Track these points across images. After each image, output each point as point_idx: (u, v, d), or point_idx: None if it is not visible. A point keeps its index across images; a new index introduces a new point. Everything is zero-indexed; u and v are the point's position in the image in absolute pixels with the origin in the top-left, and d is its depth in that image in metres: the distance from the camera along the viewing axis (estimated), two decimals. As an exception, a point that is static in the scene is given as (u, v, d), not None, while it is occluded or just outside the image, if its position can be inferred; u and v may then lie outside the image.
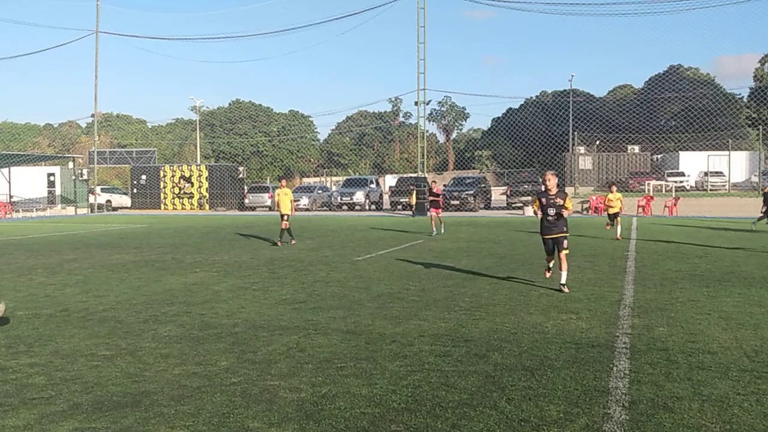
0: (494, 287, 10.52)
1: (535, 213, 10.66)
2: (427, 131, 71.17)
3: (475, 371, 5.89)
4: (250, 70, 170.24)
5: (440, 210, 22.14)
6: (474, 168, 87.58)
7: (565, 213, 10.22)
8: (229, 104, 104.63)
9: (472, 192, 38.30)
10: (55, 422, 4.75)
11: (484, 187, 41.61)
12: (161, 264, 14.16)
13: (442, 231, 21.78)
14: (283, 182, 20.03)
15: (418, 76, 36.42)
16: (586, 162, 54.78)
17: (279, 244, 18.19)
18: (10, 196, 42.30)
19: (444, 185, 46.24)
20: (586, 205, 35.70)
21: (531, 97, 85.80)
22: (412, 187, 35.09)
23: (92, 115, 53.77)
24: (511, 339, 7.08)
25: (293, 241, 18.54)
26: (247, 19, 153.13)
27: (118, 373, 5.97)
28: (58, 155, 63.62)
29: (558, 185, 10.46)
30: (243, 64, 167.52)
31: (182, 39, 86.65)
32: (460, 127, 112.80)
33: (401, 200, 39.63)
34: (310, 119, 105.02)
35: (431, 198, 22.38)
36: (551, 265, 10.78)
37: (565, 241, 10.31)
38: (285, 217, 18.31)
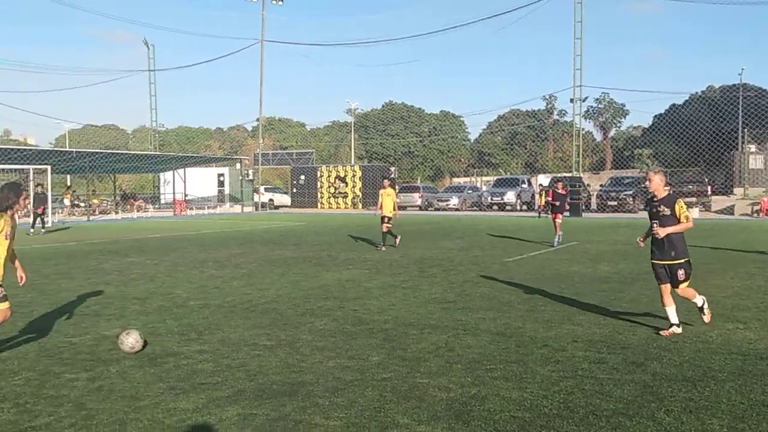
0: (654, 293, 9.90)
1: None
2: (583, 129, 68.51)
3: (631, 380, 5.62)
4: (403, 72, 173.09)
5: (560, 216, 18.87)
6: (633, 167, 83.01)
7: (677, 228, 7.41)
8: (382, 106, 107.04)
9: (631, 192, 36.40)
10: (221, 407, 5.13)
11: (644, 187, 39.34)
12: (317, 260, 14.81)
13: (556, 243, 18.16)
14: (386, 183, 18.83)
15: (574, 72, 35.32)
16: (757, 161, 50.08)
17: (383, 248, 17.14)
18: (185, 195, 46.05)
19: (601, 185, 44.36)
20: (756, 208, 32.78)
21: (696, 93, 79.90)
22: (540, 186, 33.94)
23: (257, 119, 57.38)
24: (671, 348, 6.67)
25: (397, 241, 17.65)
26: (399, 22, 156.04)
27: (278, 362, 6.33)
28: (227, 157, 68.51)
29: (667, 187, 7.78)
30: (396, 66, 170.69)
31: (338, 45, 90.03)
32: (618, 125, 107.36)
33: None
34: (461, 119, 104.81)
35: (554, 202, 19.04)
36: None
37: (681, 271, 7.37)
38: (385, 219, 17.49)
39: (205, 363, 6.37)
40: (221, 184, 53.10)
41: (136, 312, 8.98)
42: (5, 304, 6.37)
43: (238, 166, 54.71)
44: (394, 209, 17.88)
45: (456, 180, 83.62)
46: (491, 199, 41.26)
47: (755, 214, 32.50)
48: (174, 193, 45.76)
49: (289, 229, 26.03)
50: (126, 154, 46.54)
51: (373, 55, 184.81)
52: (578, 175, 35.89)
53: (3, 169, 36.36)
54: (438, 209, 42.54)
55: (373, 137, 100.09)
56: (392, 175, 49.08)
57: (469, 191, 45.92)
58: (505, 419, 4.76)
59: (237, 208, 48.48)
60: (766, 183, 47.09)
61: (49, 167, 33.64)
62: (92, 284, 11.54)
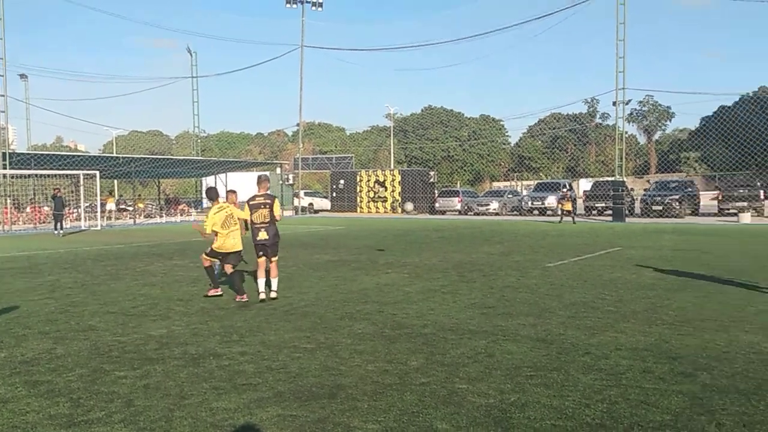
0: (702, 300, 9.66)
1: None
2: (626, 132, 67.37)
3: (679, 391, 5.44)
4: (442, 76, 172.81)
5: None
6: (679, 171, 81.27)
7: None
8: (422, 110, 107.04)
9: (677, 197, 35.54)
10: (261, 407, 5.15)
11: (691, 191, 38.41)
12: (357, 264, 14.82)
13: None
14: (232, 196, 11.99)
15: (617, 74, 34.58)
16: (814, 164, 48.50)
17: (209, 293, 10.45)
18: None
19: (645, 189, 43.44)
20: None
21: (747, 94, 77.79)
22: (565, 191, 33.28)
23: (297, 124, 57.85)
24: (722, 358, 6.44)
25: (213, 292, 10.43)
26: (439, 26, 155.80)
27: (318, 365, 6.33)
28: (268, 161, 69.26)
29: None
30: (436, 71, 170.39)
31: (377, 49, 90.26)
32: (663, 128, 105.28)
33: (597, 205, 37.93)
34: (501, 123, 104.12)
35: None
36: None
37: None
38: (231, 257, 10.51)
39: (246, 364, 6.41)
40: (263, 188, 53.61)
41: (180, 313, 9.11)
42: None
43: (278, 170, 55.23)
44: (242, 231, 10.89)
45: (496, 184, 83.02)
46: (531, 203, 40.81)
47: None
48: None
49: (328, 233, 26.15)
50: (169, 159, 47.37)
51: (412, 60, 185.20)
52: (621, 179, 35.17)
53: (55, 174, 37.45)
54: (478, 214, 42.25)
55: (412, 141, 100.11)
56: (432, 180, 48.98)
57: (509, 195, 45.49)
58: (545, 428, 4.66)
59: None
60: (821, 187, 45.52)
61: (97, 172, 34.56)
62: (139, 285, 11.80)
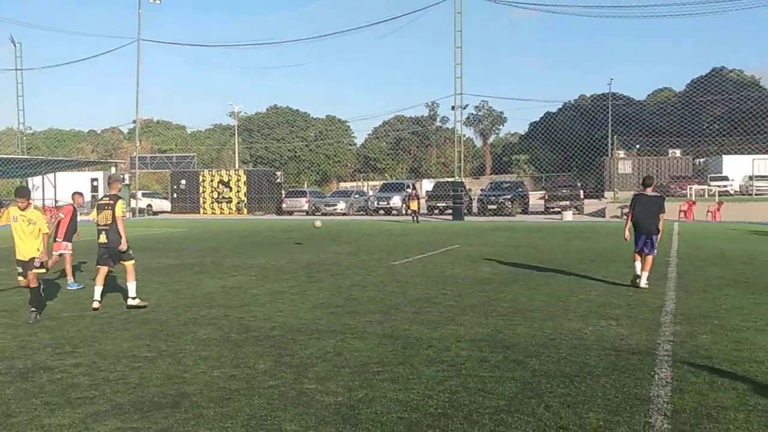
0: (532, 293, 10.41)
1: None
2: (464, 135, 70.99)
3: (512, 377, 5.84)
4: (288, 76, 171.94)
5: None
6: (512, 172, 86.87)
7: None
8: (267, 109, 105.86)
9: (509, 196, 37.96)
10: (99, 421, 4.86)
11: (522, 191, 41.22)
12: (200, 267, 14.37)
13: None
14: (21, 202, 8.89)
15: (455, 80, 36.24)
16: (625, 166, 53.97)
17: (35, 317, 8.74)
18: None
19: (481, 190, 46.00)
20: (625, 210, 35.08)
21: (569, 101, 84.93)
22: (410, 191, 34.40)
23: (134, 121, 54.91)
24: (549, 345, 6.99)
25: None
26: (284, 25, 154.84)
27: (159, 374, 6.08)
28: (101, 161, 65.06)
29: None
30: (281, 69, 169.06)
31: (221, 45, 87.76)
32: (497, 132, 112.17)
33: (438, 204, 39.54)
34: (347, 124, 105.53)
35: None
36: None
37: None
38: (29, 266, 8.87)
39: (81, 377, 6.02)
40: (95, 189, 50.31)
41: (4, 325, 8.33)
42: None
43: (113, 170, 52.09)
44: (45, 245, 9.02)
45: (343, 185, 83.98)
46: (377, 203, 41.74)
47: (624, 217, 34.71)
48: (43, 199, 42.96)
49: (169, 236, 25.09)
50: (-13, 157, 43.11)
51: (257, 58, 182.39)
52: (460, 180, 36.96)
53: None
54: (325, 214, 42.52)
55: (257, 141, 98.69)
56: (278, 180, 48.57)
57: (356, 196, 46.23)
58: (392, 421, 4.80)
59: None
60: (634, 187, 50.68)
61: None
62: (-52, 298, 10.60)
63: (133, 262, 9.71)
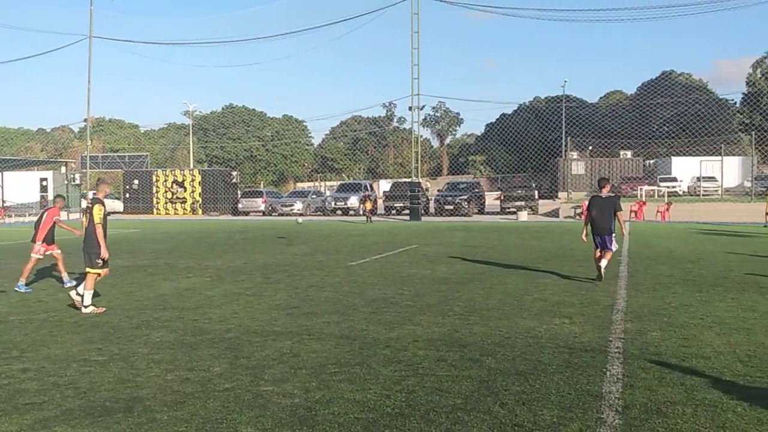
0: (488, 292, 10.52)
1: None
2: (421, 136, 71.47)
3: (469, 376, 5.89)
4: (244, 75, 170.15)
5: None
6: (468, 173, 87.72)
7: None
8: (223, 109, 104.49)
9: (465, 197, 38.30)
10: (48, 427, 4.73)
11: (478, 192, 41.64)
12: (154, 269, 14.11)
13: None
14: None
15: (412, 81, 36.41)
16: (578, 167, 55.00)
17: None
18: (3, 201, 42.09)
19: (438, 190, 46.30)
20: (578, 211, 35.75)
21: (524, 103, 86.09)
22: (366, 193, 34.27)
23: (85, 120, 53.62)
24: (504, 343, 7.08)
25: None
26: (241, 23, 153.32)
27: (111, 378, 5.95)
28: (51, 160, 63.46)
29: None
30: (237, 68, 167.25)
31: (175, 44, 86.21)
32: (454, 133, 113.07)
33: (396, 205, 39.64)
34: (304, 124, 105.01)
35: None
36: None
37: None
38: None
39: (29, 382, 5.85)
40: (44, 189, 48.97)
41: (-58, 331, 8.03)
42: None
43: (63, 169, 50.83)
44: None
45: (300, 185, 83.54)
46: (335, 203, 41.62)
47: (577, 217, 35.38)
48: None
49: (121, 237, 24.57)
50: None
51: (212, 57, 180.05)
52: (417, 181, 37.14)
53: None
54: (282, 214, 42.21)
55: (213, 140, 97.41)
56: (234, 180, 47.99)
57: (313, 196, 46.01)
58: (348, 421, 4.80)
59: (62, 215, 45.00)
60: (587, 187, 51.69)
61: None
62: None
63: (97, 271, 9.37)
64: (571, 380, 5.74)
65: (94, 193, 10.12)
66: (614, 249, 11.56)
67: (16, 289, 11.23)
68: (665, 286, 10.96)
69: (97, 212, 9.28)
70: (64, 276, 12.06)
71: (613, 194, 12.05)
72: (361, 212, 36.16)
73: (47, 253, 12.06)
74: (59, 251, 12.26)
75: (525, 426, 4.68)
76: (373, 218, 33.19)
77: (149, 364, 6.41)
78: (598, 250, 11.46)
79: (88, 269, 9.31)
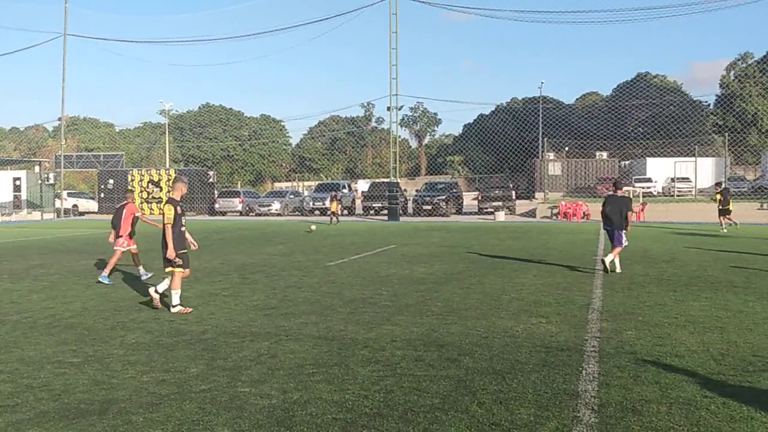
0: (466, 292, 10.57)
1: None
2: (400, 136, 71.42)
3: (446, 375, 5.91)
4: (221, 74, 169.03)
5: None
6: (446, 173, 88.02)
7: None
8: (199, 108, 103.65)
9: (444, 197, 38.44)
10: (21, 430, 4.66)
11: (456, 192, 41.82)
12: (129, 270, 13.95)
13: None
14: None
15: (390, 81, 36.46)
16: (555, 168, 55.45)
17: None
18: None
19: (416, 190, 46.35)
20: (555, 211, 36.07)
21: (502, 104, 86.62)
22: (333, 193, 33.63)
23: (59, 119, 52.89)
24: (482, 343, 7.11)
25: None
26: (218, 22, 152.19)
27: (86, 380, 5.87)
28: (24, 159, 62.43)
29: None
30: (214, 67, 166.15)
31: (151, 42, 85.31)
32: (432, 133, 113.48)
33: (374, 205, 39.63)
34: (282, 123, 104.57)
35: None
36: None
37: None
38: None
39: (2, 384, 5.75)
40: (17, 188, 48.20)
41: None
42: None
43: (36, 169, 50.05)
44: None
45: (278, 185, 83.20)
46: (313, 204, 41.52)
47: (554, 217, 35.71)
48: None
49: (96, 237, 24.26)
50: None
51: (188, 55, 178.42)
52: (396, 181, 37.18)
53: None
54: (260, 214, 42.00)
55: (189, 140, 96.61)
56: (211, 180, 47.67)
57: (291, 196, 45.86)
58: (326, 422, 4.79)
59: (36, 215, 44.40)
60: (563, 188, 52.16)
61: None
62: None
63: (180, 270, 9.19)
64: (548, 379, 5.78)
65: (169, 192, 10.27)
66: (625, 244, 12.89)
67: (100, 280, 11.90)
68: (640, 285, 11.10)
69: (168, 212, 9.16)
70: (141, 270, 12.85)
71: (626, 196, 13.93)
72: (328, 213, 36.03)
73: (128, 248, 12.90)
74: (135, 246, 13.23)
75: (502, 425, 4.71)
76: (341, 218, 32.57)
77: (125, 366, 6.34)
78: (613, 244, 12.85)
79: (167, 269, 9.20)
